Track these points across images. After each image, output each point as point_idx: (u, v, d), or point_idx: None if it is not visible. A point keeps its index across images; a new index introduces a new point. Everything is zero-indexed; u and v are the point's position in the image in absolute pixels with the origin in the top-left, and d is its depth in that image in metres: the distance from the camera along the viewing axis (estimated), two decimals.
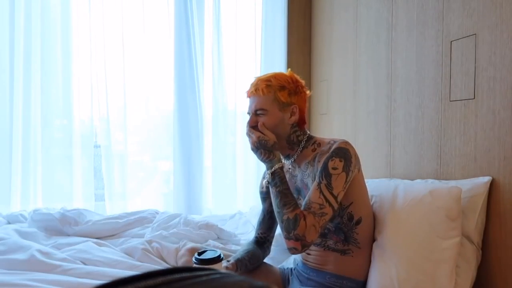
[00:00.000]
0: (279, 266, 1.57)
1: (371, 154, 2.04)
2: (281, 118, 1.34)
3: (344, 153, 1.24)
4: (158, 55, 2.46)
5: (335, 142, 1.29)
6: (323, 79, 2.55)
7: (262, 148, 1.29)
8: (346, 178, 1.23)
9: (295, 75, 1.38)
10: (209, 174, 2.54)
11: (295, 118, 1.36)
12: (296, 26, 2.69)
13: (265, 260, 1.53)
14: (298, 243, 1.20)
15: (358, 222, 1.32)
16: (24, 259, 1.48)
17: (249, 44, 2.61)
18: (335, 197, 1.22)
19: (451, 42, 1.54)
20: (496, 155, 1.36)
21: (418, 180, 1.62)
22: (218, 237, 1.84)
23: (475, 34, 1.43)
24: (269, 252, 1.54)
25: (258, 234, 1.53)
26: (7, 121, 2.20)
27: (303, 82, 1.39)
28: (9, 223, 1.97)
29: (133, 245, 1.68)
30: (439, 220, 1.26)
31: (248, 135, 1.33)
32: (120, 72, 2.37)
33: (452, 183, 1.43)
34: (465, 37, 1.48)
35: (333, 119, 2.44)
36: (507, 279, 1.32)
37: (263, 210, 1.53)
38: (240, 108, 2.61)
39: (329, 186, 1.22)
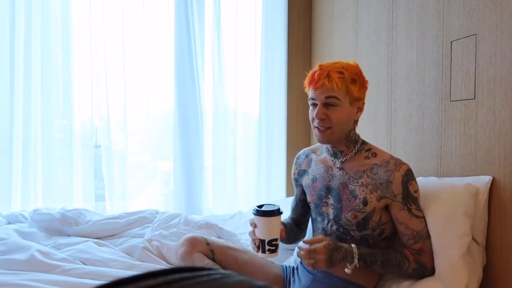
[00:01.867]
0: (280, 264, 1.56)
1: None
2: (350, 113, 1.27)
3: (413, 175, 1.28)
4: (159, 55, 2.46)
5: (396, 160, 1.28)
6: None
7: (334, 252, 1.18)
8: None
9: (360, 67, 1.30)
10: (209, 174, 2.54)
11: (360, 114, 1.31)
12: (296, 26, 2.69)
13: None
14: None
15: (386, 237, 1.32)
16: (24, 259, 1.48)
17: (249, 44, 2.61)
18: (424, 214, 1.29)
19: (451, 42, 1.54)
20: (496, 155, 1.36)
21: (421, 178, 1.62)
22: (218, 237, 1.84)
23: (475, 34, 1.43)
24: (305, 234, 1.53)
25: (292, 217, 1.54)
26: (7, 121, 2.20)
27: None
28: (9, 223, 1.97)
29: (133, 244, 1.68)
30: (456, 217, 1.27)
31: (308, 258, 1.17)
32: (120, 72, 2.37)
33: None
34: (465, 37, 1.48)
35: None
36: (508, 279, 1.32)
37: (296, 197, 1.53)
38: (240, 108, 2.61)
39: (419, 208, 1.27)
